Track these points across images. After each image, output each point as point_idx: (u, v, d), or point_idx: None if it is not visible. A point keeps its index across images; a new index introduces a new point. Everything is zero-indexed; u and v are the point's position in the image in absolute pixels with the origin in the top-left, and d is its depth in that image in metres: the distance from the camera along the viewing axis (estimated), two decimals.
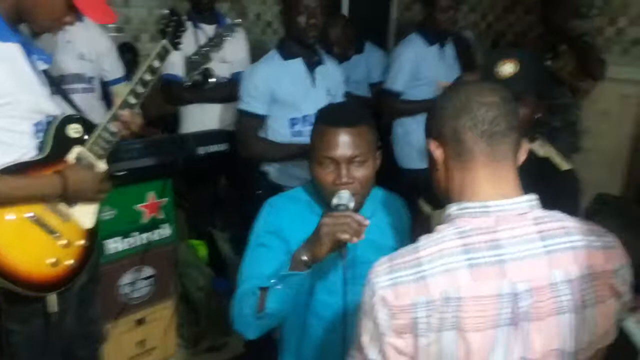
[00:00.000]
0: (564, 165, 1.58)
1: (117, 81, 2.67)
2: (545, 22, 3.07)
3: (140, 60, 3.44)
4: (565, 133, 3.03)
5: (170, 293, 2.54)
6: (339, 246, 1.18)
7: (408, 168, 2.97)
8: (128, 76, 2.91)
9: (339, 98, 2.49)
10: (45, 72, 1.57)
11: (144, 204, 2.34)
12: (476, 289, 0.86)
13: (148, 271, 2.42)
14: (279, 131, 2.33)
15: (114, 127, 1.60)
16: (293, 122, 2.31)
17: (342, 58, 2.98)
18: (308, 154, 2.23)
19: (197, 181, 2.89)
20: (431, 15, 2.79)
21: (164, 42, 1.71)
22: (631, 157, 3.28)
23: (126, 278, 2.36)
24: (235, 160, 2.56)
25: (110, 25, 2.74)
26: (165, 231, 2.44)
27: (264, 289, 1.22)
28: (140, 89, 1.65)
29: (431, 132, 1.00)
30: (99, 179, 1.58)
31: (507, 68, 1.42)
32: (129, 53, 3.21)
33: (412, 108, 2.84)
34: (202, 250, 2.74)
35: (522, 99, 1.40)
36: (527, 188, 1.57)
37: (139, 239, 2.36)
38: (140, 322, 2.45)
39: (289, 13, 2.22)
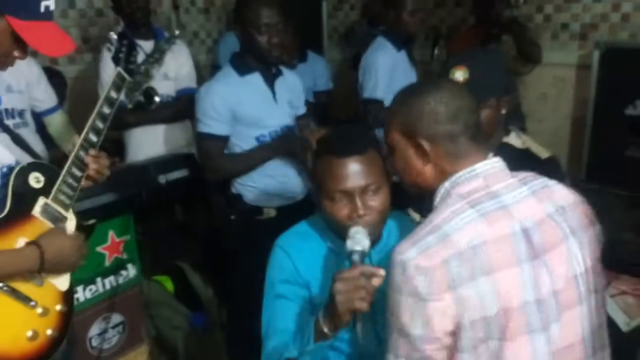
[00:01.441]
0: (544, 153, 1.59)
1: (51, 111, 2.40)
2: (482, 13, 3.14)
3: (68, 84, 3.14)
4: (514, 117, 3.10)
5: (143, 338, 2.32)
6: (354, 318, 1.07)
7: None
8: (62, 104, 2.64)
9: (302, 109, 2.38)
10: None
11: (106, 245, 2.11)
12: (494, 232, 0.97)
13: (117, 318, 2.19)
14: (244, 149, 2.19)
15: (77, 170, 1.41)
16: (260, 140, 2.18)
17: (289, 67, 2.87)
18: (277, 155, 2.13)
19: (150, 212, 2.67)
20: (398, 18, 2.70)
21: (118, 69, 1.55)
22: (572, 137, 3.43)
23: (94, 329, 2.12)
24: (195, 185, 2.39)
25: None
26: (130, 272, 2.22)
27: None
28: (100, 124, 1.49)
29: (419, 131, 1.06)
30: (79, 244, 1.38)
31: (458, 75, 1.48)
32: (56, 77, 2.89)
33: None
34: (169, 285, 2.53)
35: (482, 103, 1.41)
36: None
37: (103, 284, 2.13)
38: None
39: (247, 30, 2.07)
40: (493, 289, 0.94)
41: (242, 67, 2.16)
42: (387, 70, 2.73)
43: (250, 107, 2.13)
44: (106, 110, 1.51)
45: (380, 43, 2.80)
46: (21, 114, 2.16)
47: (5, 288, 1.23)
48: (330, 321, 1.09)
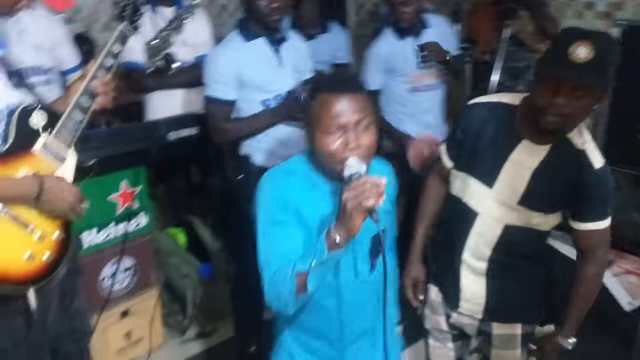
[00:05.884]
0: (599, 161, 1.48)
1: (74, 70, 2.57)
2: None
3: (97, 51, 3.33)
4: None
5: (152, 283, 2.50)
6: (370, 214, 1.17)
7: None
8: (85, 65, 2.82)
9: (308, 73, 2.46)
10: (5, 63, 1.52)
11: (118, 193, 2.29)
12: None
13: (128, 262, 2.38)
14: (250, 114, 2.29)
15: (79, 114, 1.56)
16: (266, 103, 2.28)
17: (309, 37, 2.95)
18: (284, 118, 2.23)
19: (168, 170, 2.85)
20: (393, 8, 2.69)
21: (122, 25, 1.68)
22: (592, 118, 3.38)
23: (106, 270, 2.31)
24: (208, 144, 2.53)
25: (58, 16, 2.63)
26: (141, 220, 2.40)
27: (300, 273, 1.22)
28: (102, 75, 1.62)
29: None
30: (77, 195, 1.53)
31: (582, 52, 1.32)
32: (85, 45, 3.09)
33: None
34: (182, 237, 2.71)
35: (590, 89, 1.33)
36: (561, 182, 1.50)
37: (115, 230, 2.31)
38: (124, 314, 2.42)
39: None
40: None
41: (247, 32, 2.25)
42: (378, 62, 2.77)
43: (255, 71, 2.23)
44: (109, 62, 1.63)
45: (382, 34, 2.83)
46: (47, 71, 2.35)
47: (6, 211, 1.40)
48: (344, 228, 1.17)
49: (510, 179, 1.52)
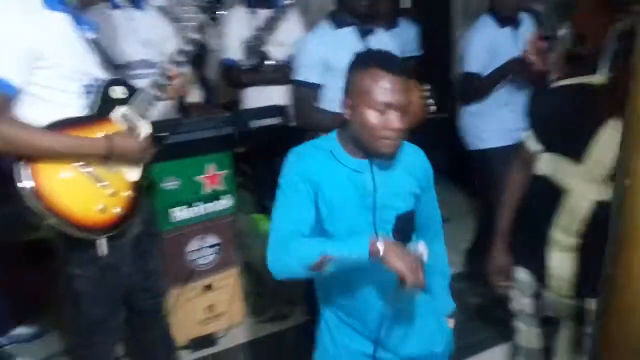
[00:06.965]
0: None
1: None
2: None
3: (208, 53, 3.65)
4: None
5: (234, 262, 2.67)
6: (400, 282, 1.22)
7: (480, 149, 2.92)
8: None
9: None
10: (106, 56, 1.80)
11: (205, 175, 2.51)
12: None
13: (212, 240, 2.58)
14: (335, 101, 2.36)
15: (155, 90, 1.78)
16: None
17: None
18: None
19: (258, 162, 3.04)
20: None
21: (202, 16, 1.89)
22: None
23: (192, 245, 2.53)
24: (290, 135, 2.65)
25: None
26: (226, 202, 2.59)
27: (326, 256, 1.25)
28: (179, 59, 1.84)
29: None
30: (143, 147, 1.74)
31: None
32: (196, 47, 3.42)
33: (493, 80, 2.78)
34: (264, 224, 2.86)
35: None
36: None
37: (202, 208, 2.53)
38: (208, 287, 2.61)
39: None
40: None
41: (337, 20, 2.35)
42: (482, 47, 2.76)
43: (342, 58, 2.27)
44: (185, 47, 1.86)
45: (481, 20, 2.84)
46: (154, 65, 2.65)
47: (84, 167, 1.63)
48: (384, 258, 1.23)
49: (600, 155, 1.53)
